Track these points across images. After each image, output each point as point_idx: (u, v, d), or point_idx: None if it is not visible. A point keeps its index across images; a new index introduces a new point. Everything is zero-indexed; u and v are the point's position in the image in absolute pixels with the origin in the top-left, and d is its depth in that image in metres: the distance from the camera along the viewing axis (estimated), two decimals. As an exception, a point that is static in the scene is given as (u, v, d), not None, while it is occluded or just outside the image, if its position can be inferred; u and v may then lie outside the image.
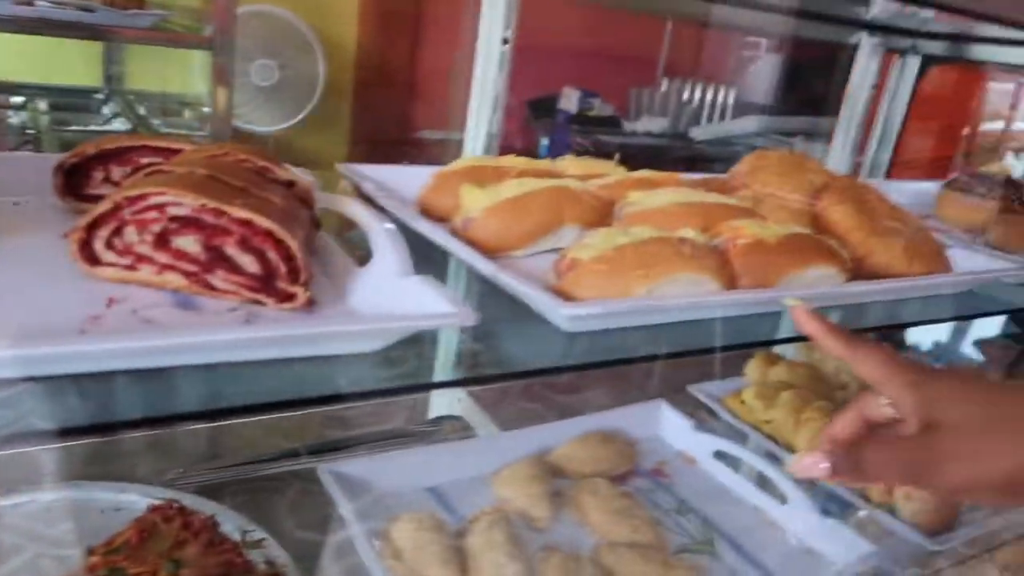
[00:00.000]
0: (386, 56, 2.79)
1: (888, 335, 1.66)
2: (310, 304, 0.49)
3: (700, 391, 1.24)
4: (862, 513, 1.02)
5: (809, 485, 1.04)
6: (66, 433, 0.35)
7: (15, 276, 0.48)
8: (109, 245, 0.46)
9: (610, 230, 0.61)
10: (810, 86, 3.04)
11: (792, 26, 1.49)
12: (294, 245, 0.47)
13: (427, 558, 0.79)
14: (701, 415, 1.21)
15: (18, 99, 1.99)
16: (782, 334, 0.68)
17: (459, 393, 1.28)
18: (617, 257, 0.57)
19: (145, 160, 0.57)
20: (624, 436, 1.13)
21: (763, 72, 3.46)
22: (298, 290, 0.48)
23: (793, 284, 0.66)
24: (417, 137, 2.88)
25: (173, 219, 0.46)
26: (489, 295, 0.60)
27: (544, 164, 0.79)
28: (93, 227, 0.46)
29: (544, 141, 3.01)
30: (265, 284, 0.48)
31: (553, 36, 2.96)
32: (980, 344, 1.70)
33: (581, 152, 3.03)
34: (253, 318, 0.47)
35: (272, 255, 0.47)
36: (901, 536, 0.96)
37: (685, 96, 3.49)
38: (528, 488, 0.94)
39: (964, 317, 0.82)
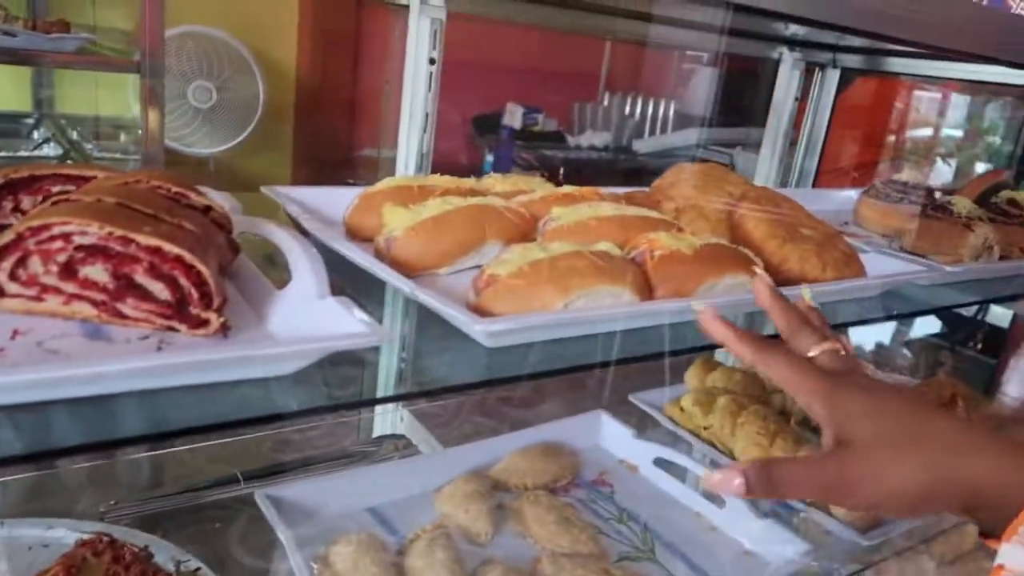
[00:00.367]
0: (327, 76, 2.79)
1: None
2: (225, 329, 0.49)
3: (641, 399, 1.27)
4: (799, 513, 1.05)
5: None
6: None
7: (-83, 311, 0.47)
8: (13, 276, 0.46)
9: (527, 245, 0.62)
10: (744, 99, 3.14)
11: (722, 43, 1.54)
12: (205, 271, 0.47)
13: (366, 579, 0.79)
14: (646, 423, 1.23)
15: (-57, 126, 1.94)
16: (705, 341, 0.71)
17: (402, 412, 1.28)
18: (534, 272, 0.59)
19: (56, 188, 0.56)
20: (566, 447, 1.14)
21: (701, 86, 3.56)
22: (211, 316, 0.48)
23: (709, 293, 0.68)
24: (361, 156, 2.87)
25: (79, 248, 0.45)
26: (429, 314, 0.60)
27: (468, 182, 0.81)
28: (-3, 258, 0.46)
29: (489, 157, 3.03)
30: (177, 311, 0.48)
31: (495, 54, 3.00)
32: (909, 345, 1.77)
33: (526, 167, 3.06)
34: (166, 346, 0.47)
35: (184, 281, 0.47)
36: (836, 533, 0.99)
37: (627, 110, 3.56)
38: (469, 504, 0.94)
39: (880, 319, 0.86)
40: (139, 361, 0.39)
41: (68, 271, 0.46)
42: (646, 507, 1.04)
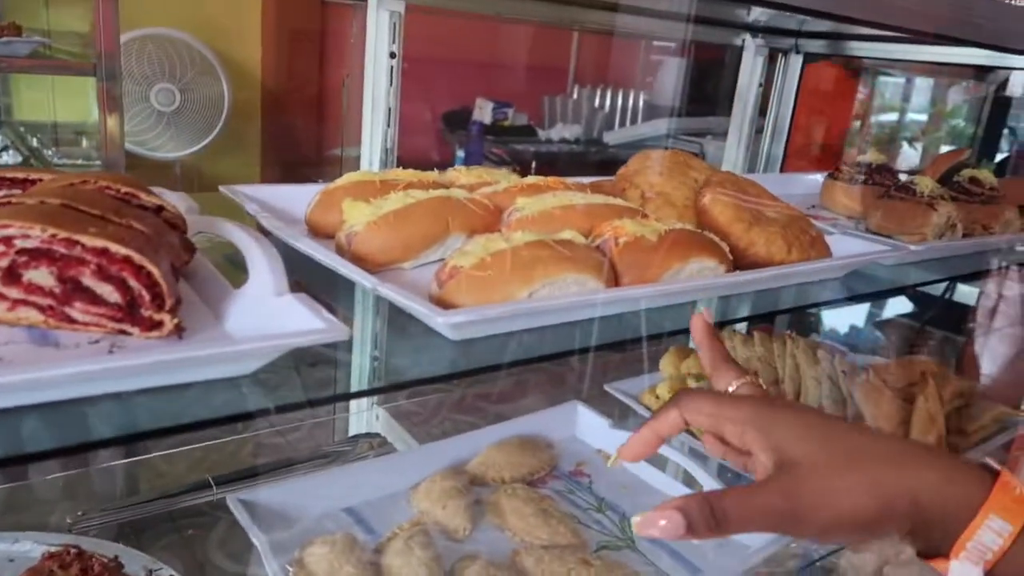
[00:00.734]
0: (293, 76, 2.76)
1: (796, 324, 1.73)
2: (179, 331, 0.48)
3: (617, 389, 1.27)
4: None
5: (723, 473, 1.07)
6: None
7: None
8: (-46, 284, 0.44)
9: (490, 236, 0.62)
10: (711, 87, 3.15)
11: (686, 31, 1.54)
12: (156, 271, 0.46)
13: (343, 580, 0.78)
14: (624, 413, 1.23)
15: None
16: (672, 327, 0.71)
17: (378, 410, 1.27)
18: (497, 263, 0.58)
19: (2, 193, 0.55)
20: (542, 439, 1.14)
21: (669, 77, 3.57)
22: (164, 317, 0.47)
23: (675, 278, 0.68)
24: (331, 155, 2.85)
25: (21, 252, 0.44)
26: (398, 311, 0.59)
27: (432, 175, 0.80)
28: (-64, 266, 0.44)
29: (460, 153, 3.02)
30: (129, 314, 0.46)
31: (462, 49, 2.98)
32: (879, 326, 1.79)
33: (497, 162, 3.06)
34: (117, 350, 0.45)
35: (133, 283, 0.46)
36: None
37: (597, 103, 3.57)
38: (446, 500, 0.93)
39: (847, 300, 0.86)
40: (87, 365, 0.38)
41: (11, 276, 0.44)
42: (624, 496, 1.04)
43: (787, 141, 1.61)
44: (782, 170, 1.60)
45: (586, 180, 0.89)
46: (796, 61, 1.52)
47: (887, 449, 0.47)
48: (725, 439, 0.50)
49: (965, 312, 1.62)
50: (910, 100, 2.93)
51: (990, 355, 1.59)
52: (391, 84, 1.01)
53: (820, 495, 0.44)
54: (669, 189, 0.86)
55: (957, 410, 1.26)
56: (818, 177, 1.33)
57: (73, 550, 0.75)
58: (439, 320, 0.51)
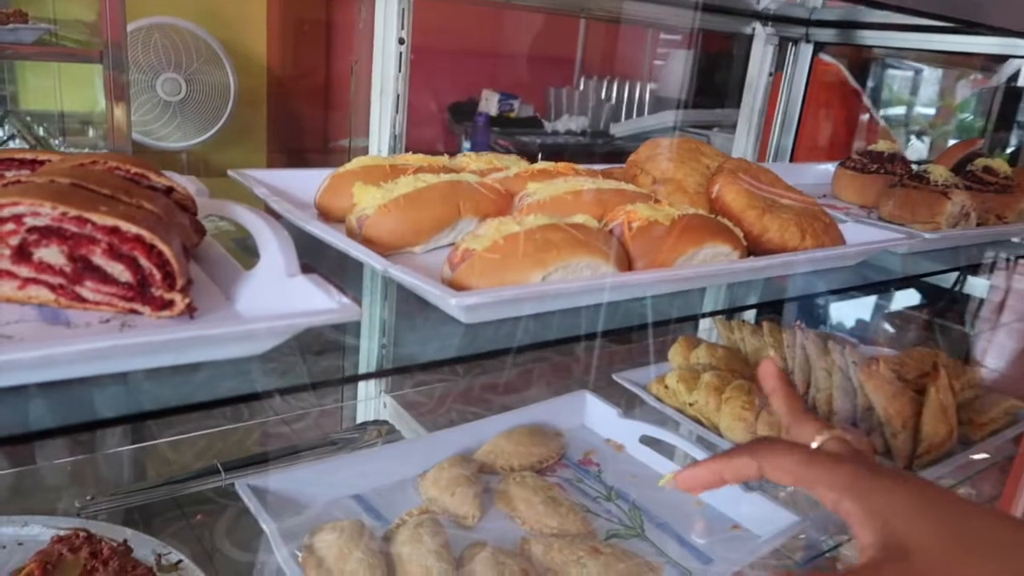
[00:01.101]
0: (299, 65, 2.75)
1: (805, 315, 1.72)
2: (191, 311, 0.47)
3: (625, 378, 1.26)
4: (786, 487, 1.05)
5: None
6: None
7: None
8: (-36, 262, 0.44)
9: (503, 219, 0.61)
10: (720, 78, 3.14)
11: (695, 19, 1.53)
12: (167, 250, 0.45)
13: (352, 566, 0.78)
14: (632, 403, 1.22)
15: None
16: (685, 312, 0.70)
17: (385, 399, 1.26)
18: (510, 245, 0.57)
19: (10, 174, 0.54)
20: (551, 428, 1.13)
21: (676, 68, 3.55)
22: (176, 296, 0.46)
23: (689, 263, 0.68)
24: (338, 145, 2.84)
25: (32, 230, 0.43)
26: (409, 295, 0.59)
27: (442, 160, 0.79)
28: (-54, 245, 0.44)
29: (466, 144, 3.01)
30: (140, 293, 0.46)
31: (469, 40, 2.97)
32: (891, 317, 1.78)
33: (503, 153, 3.05)
34: (128, 329, 0.45)
35: (144, 262, 0.45)
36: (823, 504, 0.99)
37: (603, 94, 3.55)
38: (455, 487, 0.93)
39: (860, 289, 0.85)
40: (98, 342, 0.38)
41: (22, 254, 0.44)
42: (633, 485, 1.04)
43: (796, 132, 1.59)
44: (791, 161, 1.59)
45: (597, 167, 0.88)
46: (806, 50, 1.51)
47: (1013, 532, 0.39)
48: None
49: (976, 304, 1.61)
50: (920, 91, 2.91)
51: (1002, 347, 1.58)
52: (400, 70, 1.00)
53: None
54: (681, 176, 0.85)
55: (968, 402, 1.25)
56: (829, 167, 1.32)
57: (82, 534, 0.75)
58: (452, 302, 0.51)
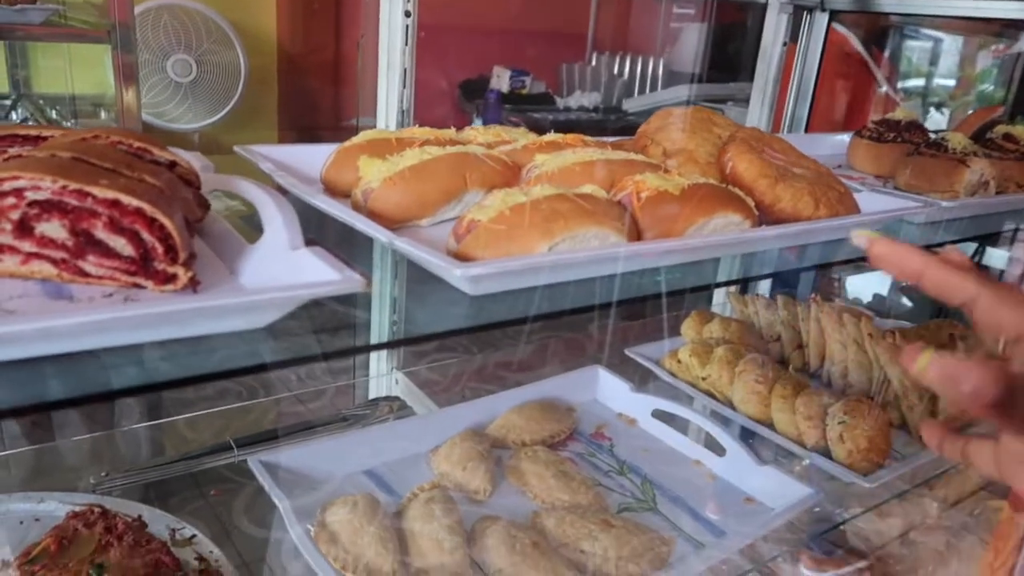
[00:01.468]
0: (309, 42, 2.74)
1: (820, 288, 1.70)
2: (194, 284, 0.47)
3: (637, 353, 1.26)
4: (801, 460, 1.04)
5: (745, 437, 1.06)
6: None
7: None
8: (-34, 237, 0.44)
9: (509, 190, 0.60)
10: (734, 51, 3.09)
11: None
12: (169, 223, 0.45)
13: (364, 540, 0.78)
14: (645, 378, 1.22)
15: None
16: (696, 282, 0.69)
17: (397, 375, 1.27)
18: (516, 216, 0.57)
19: (14, 149, 0.54)
20: (562, 403, 1.13)
21: (689, 42, 3.50)
22: (179, 270, 0.46)
23: (699, 233, 0.66)
24: (348, 124, 2.83)
25: (32, 204, 0.43)
26: (417, 270, 0.58)
27: (449, 133, 0.78)
28: (-52, 220, 0.44)
29: (477, 122, 2.99)
30: (142, 267, 0.46)
31: (479, 17, 2.94)
32: (907, 289, 1.76)
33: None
34: (131, 303, 0.45)
35: (146, 236, 0.45)
36: (838, 477, 0.98)
37: (616, 70, 3.51)
38: (466, 461, 0.93)
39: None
40: (100, 314, 0.37)
41: (23, 229, 0.44)
42: (646, 459, 1.04)
43: (811, 103, 1.56)
44: (806, 132, 1.57)
45: (607, 139, 0.87)
46: (822, 19, 1.47)
47: None
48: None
49: (996, 275, 1.58)
50: (939, 61, 2.84)
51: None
52: (406, 44, 0.99)
53: None
54: (692, 146, 0.83)
55: (986, 374, 1.23)
56: (844, 137, 1.29)
57: (97, 509, 0.76)
58: (456, 273, 0.50)
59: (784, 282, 1.53)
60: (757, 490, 0.98)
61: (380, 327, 0.56)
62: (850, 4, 1.47)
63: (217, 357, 0.44)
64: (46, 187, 0.43)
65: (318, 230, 0.65)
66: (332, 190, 0.73)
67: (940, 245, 0.95)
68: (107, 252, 0.45)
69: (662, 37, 3.63)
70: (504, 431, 1.03)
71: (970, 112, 2.71)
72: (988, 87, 2.73)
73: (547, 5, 3.23)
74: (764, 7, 1.45)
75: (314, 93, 2.82)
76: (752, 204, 0.72)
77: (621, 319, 1.43)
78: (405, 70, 1.00)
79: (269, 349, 0.47)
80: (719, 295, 1.55)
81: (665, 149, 0.84)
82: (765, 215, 0.76)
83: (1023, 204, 1.06)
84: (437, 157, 0.66)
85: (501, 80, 3.18)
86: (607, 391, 1.17)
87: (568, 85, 3.49)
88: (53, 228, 0.44)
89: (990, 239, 1.31)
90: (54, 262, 0.45)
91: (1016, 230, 1.09)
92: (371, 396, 1.24)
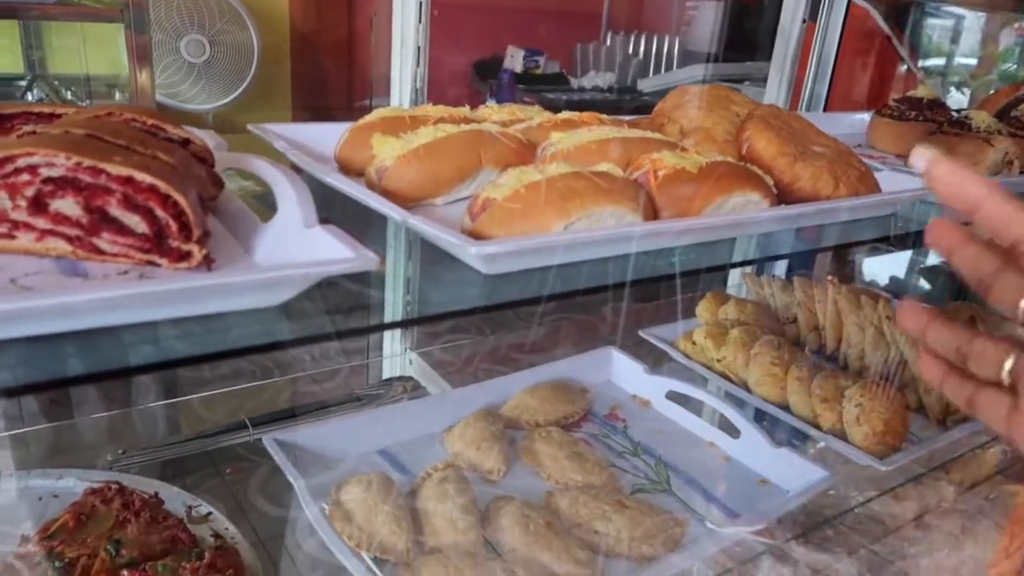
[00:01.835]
0: (322, 22, 2.72)
1: (837, 270, 1.68)
2: (208, 262, 0.47)
3: (652, 335, 1.25)
4: (816, 443, 1.03)
5: (759, 419, 1.05)
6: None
7: None
8: (-19, 214, 0.44)
9: (524, 168, 0.59)
10: (751, 29, 3.04)
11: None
12: (183, 200, 0.45)
13: (379, 518, 0.79)
14: (660, 360, 1.21)
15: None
16: (713, 262, 0.68)
17: (411, 355, 1.27)
18: (531, 194, 0.56)
19: (28, 127, 0.54)
20: (576, 384, 1.13)
21: (706, 20, 3.45)
22: (193, 248, 0.46)
23: (716, 213, 0.66)
24: (364, 104, 2.82)
25: (47, 181, 0.43)
26: (433, 249, 0.58)
27: (463, 111, 0.77)
28: (-38, 197, 0.43)
29: (491, 102, 2.97)
30: (157, 244, 0.46)
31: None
32: (926, 272, 1.74)
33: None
34: (146, 280, 0.45)
35: (160, 213, 0.45)
36: (854, 460, 0.97)
37: (631, 49, 3.47)
38: (480, 442, 0.93)
39: (896, 239, 0.82)
40: (114, 290, 0.37)
41: (38, 205, 0.44)
42: (660, 440, 1.04)
43: (830, 82, 1.54)
44: (825, 111, 1.54)
45: (623, 117, 0.86)
46: (843, -6, 1.45)
47: None
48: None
49: None
50: (961, 39, 2.79)
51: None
52: (420, 21, 0.98)
53: None
54: (709, 124, 0.82)
55: (1006, 356, 1.22)
56: (864, 116, 1.27)
57: (114, 486, 0.77)
58: (471, 251, 0.50)
59: (801, 263, 1.51)
60: (771, 472, 0.97)
61: (394, 306, 0.56)
62: (872, -21, 1.44)
63: (232, 336, 0.44)
64: (60, 164, 0.43)
65: (332, 208, 0.65)
66: (346, 168, 0.72)
67: (962, 226, 0.94)
68: (121, 229, 0.45)
69: (678, 16, 3.58)
70: (518, 412, 1.03)
71: (992, 91, 2.66)
72: (1011, 66, 2.68)
73: (561, -17, 3.20)
74: (784, -17, 1.43)
75: (327, 72, 2.81)
76: (771, 183, 0.71)
77: (636, 300, 1.43)
78: (419, 48, 0.99)
79: (284, 328, 0.47)
80: (735, 276, 1.54)
81: (682, 127, 0.83)
82: (784, 194, 0.75)
83: (1047, 184, 1.03)
84: (451, 135, 0.66)
85: (515, 60, 3.15)
86: (621, 372, 1.17)
87: (582, 65, 3.46)
88: (67, 205, 0.44)
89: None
90: (69, 239, 0.45)
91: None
92: (385, 376, 1.24)
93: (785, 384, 1.05)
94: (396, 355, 1.24)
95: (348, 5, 2.79)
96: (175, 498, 0.81)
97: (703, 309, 1.30)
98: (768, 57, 1.51)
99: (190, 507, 0.80)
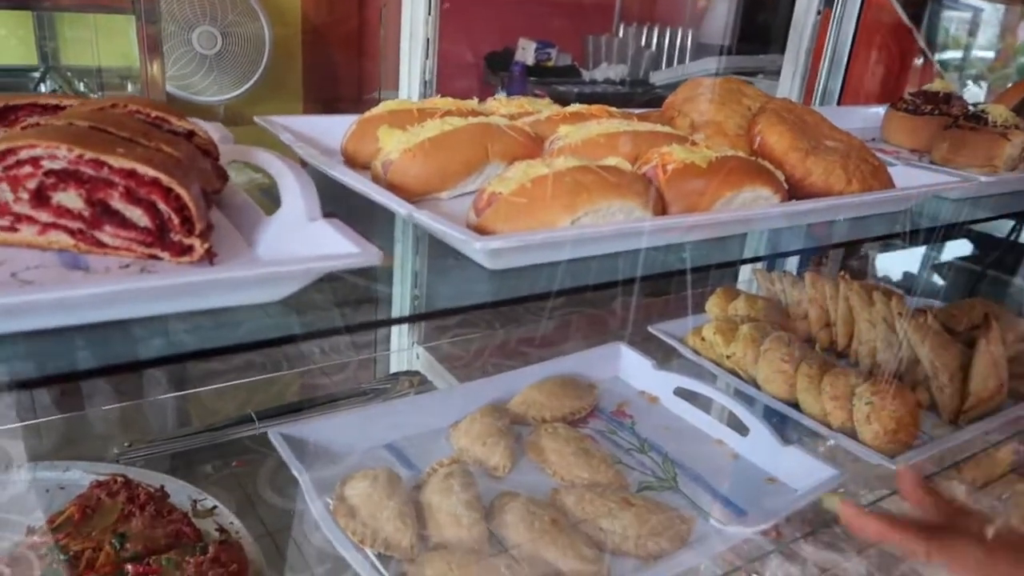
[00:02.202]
0: (333, 14, 2.72)
1: (851, 266, 1.66)
2: (211, 256, 0.46)
3: (661, 330, 1.24)
4: (826, 441, 1.02)
5: (769, 416, 1.04)
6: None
7: None
8: (-17, 206, 0.44)
9: (530, 162, 0.59)
10: (764, 21, 3.01)
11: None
12: (185, 194, 0.44)
13: (384, 514, 0.78)
14: (669, 356, 1.20)
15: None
16: (722, 259, 0.67)
17: (418, 350, 1.27)
18: (537, 189, 0.55)
19: (34, 118, 0.54)
20: (584, 379, 1.12)
21: (719, 11, 3.42)
22: (195, 242, 0.45)
23: (726, 208, 0.65)
24: (372, 97, 2.82)
25: (49, 173, 0.43)
26: (439, 244, 0.57)
27: (471, 104, 0.77)
28: (-36, 189, 0.43)
29: (502, 95, 2.96)
30: (159, 238, 0.45)
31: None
32: (940, 268, 1.72)
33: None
34: (147, 274, 0.44)
35: (163, 206, 0.45)
36: (864, 459, 0.96)
37: (643, 41, 3.44)
38: (486, 437, 0.93)
39: (909, 235, 0.81)
40: (115, 285, 0.37)
41: (40, 198, 0.43)
42: (667, 437, 1.03)
43: (845, 74, 1.52)
44: (839, 104, 1.52)
45: (633, 111, 0.85)
46: (859, -14, 1.42)
47: None
48: None
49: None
50: (979, 31, 2.75)
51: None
52: (429, 13, 0.97)
53: None
54: (721, 118, 0.81)
55: (1021, 355, 1.20)
56: (879, 110, 1.25)
57: (120, 479, 0.77)
58: (476, 246, 0.49)
59: (813, 257, 1.50)
60: (780, 470, 0.96)
61: (401, 301, 0.56)
62: (888, -29, 1.42)
63: (240, 330, 0.44)
64: (62, 156, 0.43)
65: (339, 202, 0.64)
66: (352, 161, 0.72)
67: (976, 222, 0.92)
68: (124, 223, 0.45)
69: (690, 8, 3.56)
70: (524, 407, 1.02)
71: (1009, 85, 2.62)
72: (1029, 59, 2.64)
73: (574, -25, 3.18)
74: (798, -25, 1.41)
75: (338, 65, 2.81)
76: (782, 178, 0.70)
77: (644, 295, 1.42)
78: (428, 40, 0.98)
79: (291, 322, 0.46)
80: (745, 272, 1.53)
81: (693, 121, 0.82)
82: (795, 189, 0.74)
83: (1066, 180, 1.02)
84: (458, 128, 0.65)
85: (526, 52, 3.13)
86: (629, 368, 1.16)
87: (594, 57, 3.43)
88: (70, 198, 0.44)
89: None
90: (71, 232, 0.45)
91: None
92: (392, 370, 1.24)
93: (795, 381, 1.04)
94: (403, 349, 1.23)
95: (359, 2, 2.79)
96: (180, 491, 0.81)
97: (713, 305, 1.29)
98: (781, 50, 1.49)
99: (195, 501, 0.80)
